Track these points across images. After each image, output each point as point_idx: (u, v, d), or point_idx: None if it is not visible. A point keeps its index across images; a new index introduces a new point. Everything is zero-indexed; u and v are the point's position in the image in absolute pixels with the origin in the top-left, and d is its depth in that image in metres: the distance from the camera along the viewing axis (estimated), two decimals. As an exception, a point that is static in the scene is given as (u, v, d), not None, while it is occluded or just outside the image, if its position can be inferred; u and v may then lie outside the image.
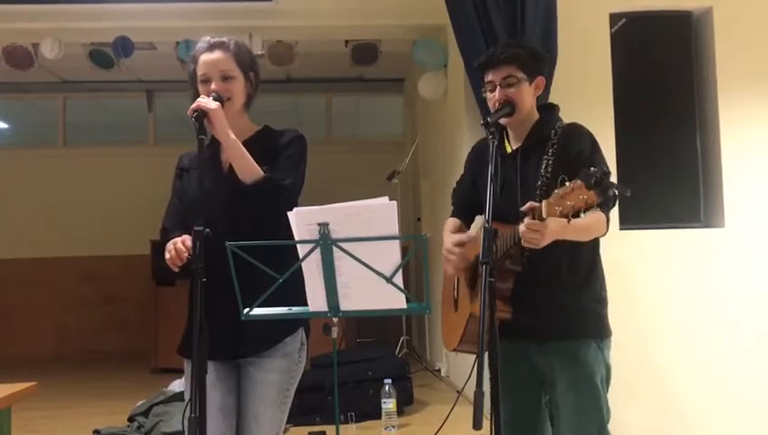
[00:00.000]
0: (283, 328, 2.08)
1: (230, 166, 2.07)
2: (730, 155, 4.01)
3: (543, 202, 1.75)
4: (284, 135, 2.15)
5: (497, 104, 2.11)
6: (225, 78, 2.05)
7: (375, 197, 1.69)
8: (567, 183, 1.67)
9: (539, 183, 2.06)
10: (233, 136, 1.98)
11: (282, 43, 5.77)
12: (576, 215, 1.67)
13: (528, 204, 1.81)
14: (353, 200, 1.68)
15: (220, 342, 1.91)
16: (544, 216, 1.74)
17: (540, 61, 2.18)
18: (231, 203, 2.02)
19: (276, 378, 2.07)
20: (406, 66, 7.03)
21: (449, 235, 2.30)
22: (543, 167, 2.06)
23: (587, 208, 1.65)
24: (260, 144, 2.10)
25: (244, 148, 1.99)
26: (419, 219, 6.95)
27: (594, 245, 2.15)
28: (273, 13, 5.31)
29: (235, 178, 2.02)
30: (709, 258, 3.94)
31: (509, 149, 2.20)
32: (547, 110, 2.22)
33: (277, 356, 2.07)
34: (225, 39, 2.10)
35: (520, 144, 2.18)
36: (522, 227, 1.82)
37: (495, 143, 1.97)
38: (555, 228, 1.82)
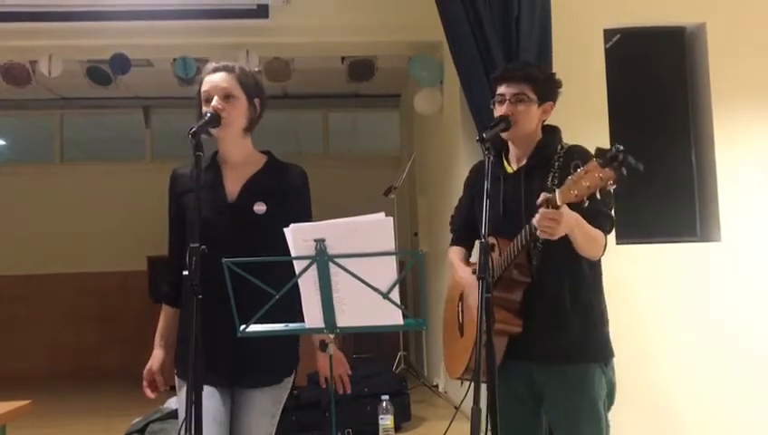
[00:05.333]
0: (282, 367, 2.12)
1: (237, 195, 2.08)
2: (725, 168, 4.02)
3: (557, 190, 1.76)
4: (291, 174, 2.16)
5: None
6: (227, 97, 2.05)
7: (372, 212, 1.69)
8: (579, 168, 1.69)
9: None
10: None
11: (278, 59, 5.78)
12: (592, 196, 1.68)
13: (542, 195, 1.81)
14: (350, 216, 1.69)
15: (219, 371, 1.97)
16: (559, 203, 1.76)
17: (553, 88, 2.19)
18: (236, 233, 2.02)
19: (270, 392, 2.10)
20: (402, 82, 7.06)
21: (463, 266, 2.29)
22: (550, 180, 2.07)
23: (603, 188, 1.66)
24: (268, 179, 2.12)
25: None
26: (416, 234, 6.94)
27: (597, 260, 2.14)
28: (269, 29, 5.33)
29: (241, 208, 2.04)
30: (706, 272, 3.94)
31: (509, 170, 2.20)
32: (550, 131, 2.22)
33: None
34: (231, 63, 2.12)
35: (522, 164, 2.18)
36: (536, 217, 1.82)
37: (491, 159, 1.98)
38: (569, 218, 1.83)
